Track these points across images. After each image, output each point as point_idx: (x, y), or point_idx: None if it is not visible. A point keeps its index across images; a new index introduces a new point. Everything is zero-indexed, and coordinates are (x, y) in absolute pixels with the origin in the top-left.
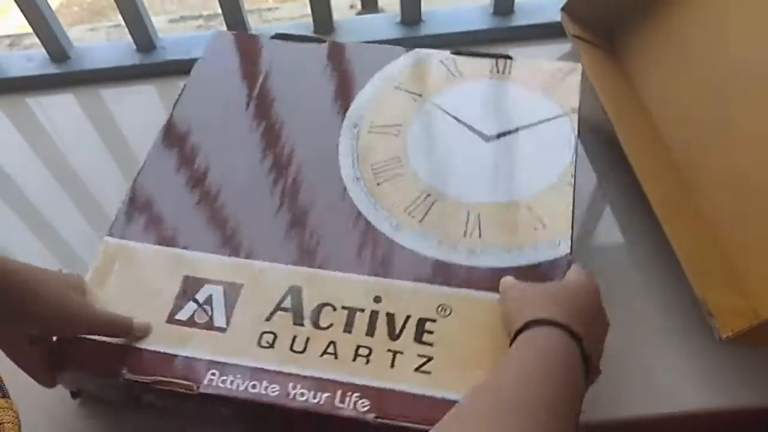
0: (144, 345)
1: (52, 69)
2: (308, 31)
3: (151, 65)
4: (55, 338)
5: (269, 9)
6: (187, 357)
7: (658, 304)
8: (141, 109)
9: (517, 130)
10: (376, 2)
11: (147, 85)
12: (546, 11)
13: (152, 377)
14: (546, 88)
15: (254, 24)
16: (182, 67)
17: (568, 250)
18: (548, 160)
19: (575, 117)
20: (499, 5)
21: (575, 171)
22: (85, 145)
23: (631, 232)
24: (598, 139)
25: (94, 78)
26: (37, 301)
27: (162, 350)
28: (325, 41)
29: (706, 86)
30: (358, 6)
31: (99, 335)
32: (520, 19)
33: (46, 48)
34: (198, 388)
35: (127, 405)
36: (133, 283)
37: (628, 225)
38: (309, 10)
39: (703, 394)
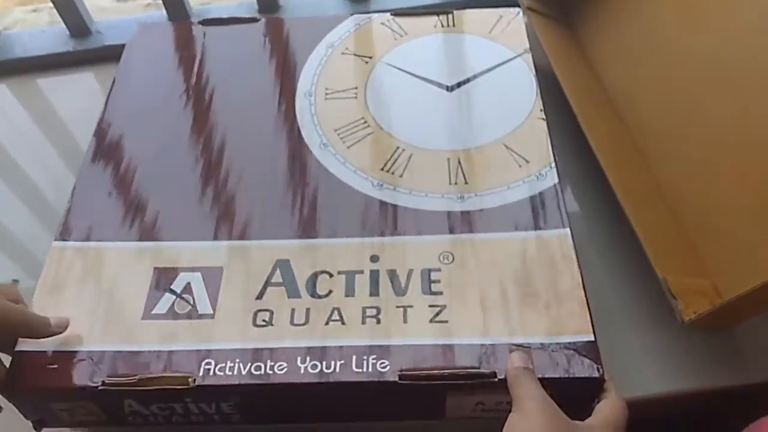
0: (121, 347)
1: None
2: (253, 10)
3: (88, 51)
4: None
5: None
6: (173, 351)
7: (620, 286)
8: (80, 98)
9: (475, 76)
10: None
11: (85, 73)
12: None
13: (137, 377)
14: (493, 34)
15: None
16: (121, 53)
17: (556, 180)
18: (514, 99)
19: (529, 57)
20: None
21: (543, 105)
22: (23, 136)
23: (590, 212)
24: (555, 115)
25: (28, 66)
26: None
27: (143, 349)
28: (258, 20)
29: (666, 62)
30: None
31: (15, 335)
32: None
33: None
34: (194, 381)
35: (106, 424)
36: (94, 287)
37: (587, 205)
38: None
39: (670, 378)
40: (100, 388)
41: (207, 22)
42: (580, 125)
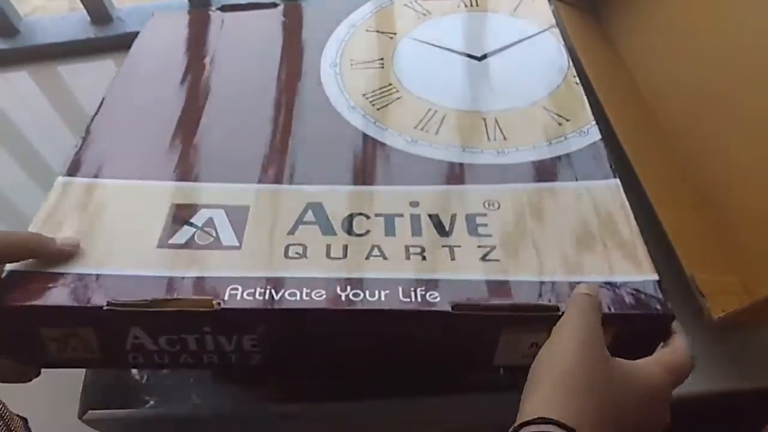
0: (129, 271)
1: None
2: None
3: (108, 38)
4: None
5: None
6: (194, 277)
7: None
8: (100, 85)
9: (505, 47)
10: None
11: (105, 60)
12: None
13: (150, 298)
14: (518, 12)
15: None
16: None
17: (599, 136)
18: (547, 67)
19: (557, 31)
20: None
21: (576, 74)
22: (44, 123)
23: None
24: None
25: (49, 53)
26: None
27: (157, 274)
28: (278, 4)
29: (693, 51)
30: None
31: (22, 257)
32: None
33: None
34: (219, 304)
35: (97, 363)
36: (102, 220)
37: None
38: None
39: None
40: (105, 308)
41: (226, 8)
42: (604, 114)
